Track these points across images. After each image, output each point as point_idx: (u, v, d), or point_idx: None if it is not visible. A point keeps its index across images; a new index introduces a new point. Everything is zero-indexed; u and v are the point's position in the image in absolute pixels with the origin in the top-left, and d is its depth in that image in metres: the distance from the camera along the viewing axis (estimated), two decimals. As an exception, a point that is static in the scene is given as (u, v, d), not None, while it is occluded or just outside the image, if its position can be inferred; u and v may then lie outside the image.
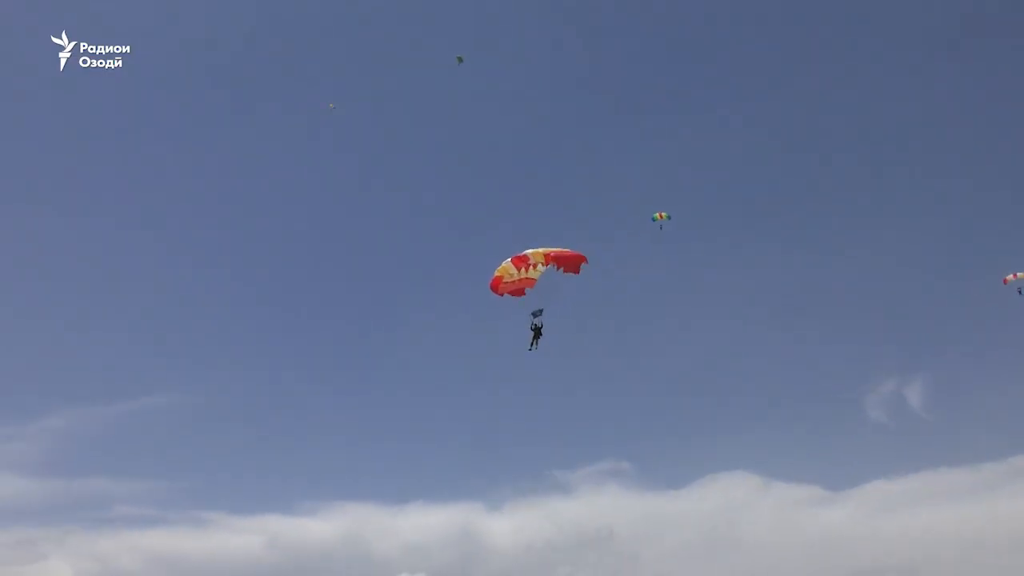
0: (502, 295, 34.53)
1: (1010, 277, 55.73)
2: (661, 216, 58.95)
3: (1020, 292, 55.81)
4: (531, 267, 33.52)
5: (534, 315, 36.66)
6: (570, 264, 33.68)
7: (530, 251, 33.57)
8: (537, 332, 37.01)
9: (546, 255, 33.29)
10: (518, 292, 34.65)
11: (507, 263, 33.65)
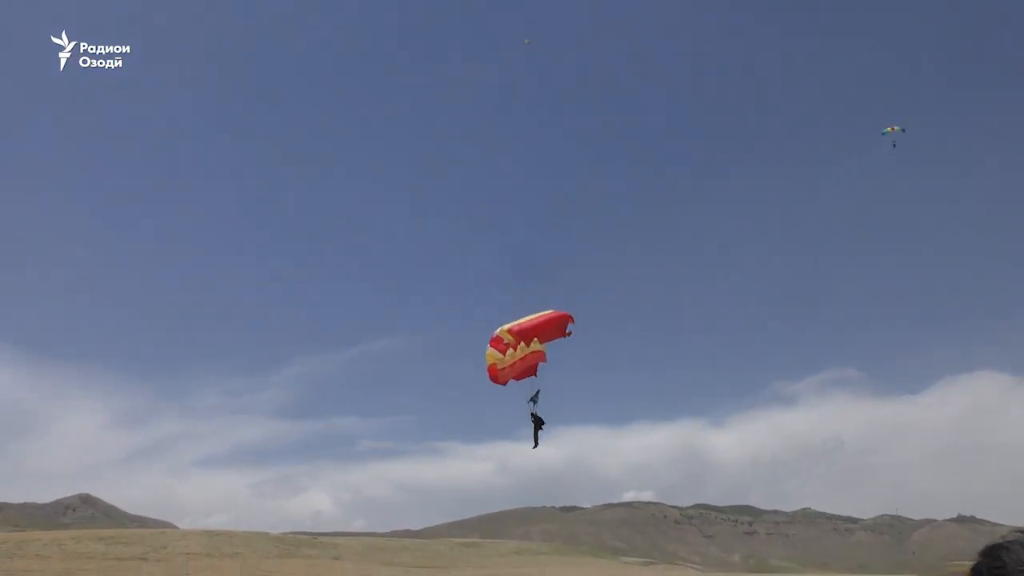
0: (505, 383, 27.77)
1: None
2: (892, 129, 58.88)
3: None
4: (513, 347, 27.18)
5: (532, 401, 29.14)
6: (549, 333, 27.47)
7: (500, 329, 27.27)
8: (538, 423, 29.72)
9: (511, 331, 26.87)
10: (527, 372, 27.85)
11: (489, 349, 27.47)
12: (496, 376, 27.78)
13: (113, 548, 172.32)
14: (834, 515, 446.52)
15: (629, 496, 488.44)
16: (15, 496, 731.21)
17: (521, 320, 27.31)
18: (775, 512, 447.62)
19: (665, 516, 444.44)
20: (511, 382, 27.95)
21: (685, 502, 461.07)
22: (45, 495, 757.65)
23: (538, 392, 28.80)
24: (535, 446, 30.53)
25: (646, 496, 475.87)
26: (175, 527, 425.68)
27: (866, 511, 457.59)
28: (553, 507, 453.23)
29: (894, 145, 57.94)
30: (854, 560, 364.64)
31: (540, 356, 27.81)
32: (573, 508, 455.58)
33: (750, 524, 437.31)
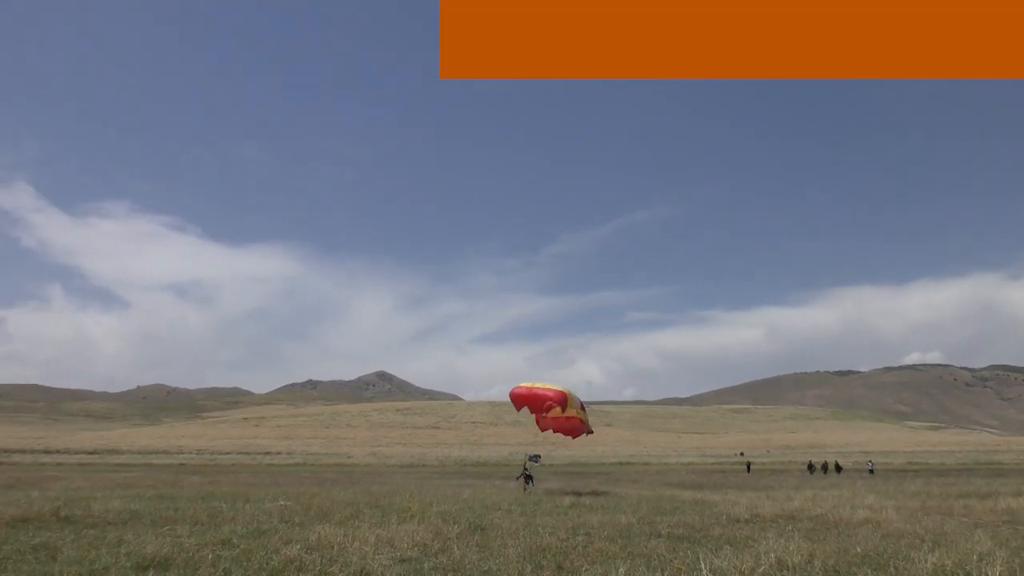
0: (545, 431, 29.94)
1: None
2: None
3: None
4: (552, 409, 28.57)
5: (532, 460, 31.93)
6: (534, 407, 28.42)
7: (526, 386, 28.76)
8: (528, 481, 32.19)
9: (510, 394, 29.02)
10: (567, 432, 29.82)
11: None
12: (538, 421, 29.74)
13: (410, 418, 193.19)
14: None
15: (912, 358, 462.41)
16: (325, 374, 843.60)
17: (523, 385, 28.76)
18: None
19: (955, 378, 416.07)
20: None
21: (979, 363, 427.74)
22: (349, 373, 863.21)
23: (539, 456, 32.17)
24: (526, 490, 33.09)
25: (932, 357, 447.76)
26: (460, 399, 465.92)
27: None
28: (828, 371, 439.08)
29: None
30: None
31: (579, 425, 29.44)
32: (849, 372, 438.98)
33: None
